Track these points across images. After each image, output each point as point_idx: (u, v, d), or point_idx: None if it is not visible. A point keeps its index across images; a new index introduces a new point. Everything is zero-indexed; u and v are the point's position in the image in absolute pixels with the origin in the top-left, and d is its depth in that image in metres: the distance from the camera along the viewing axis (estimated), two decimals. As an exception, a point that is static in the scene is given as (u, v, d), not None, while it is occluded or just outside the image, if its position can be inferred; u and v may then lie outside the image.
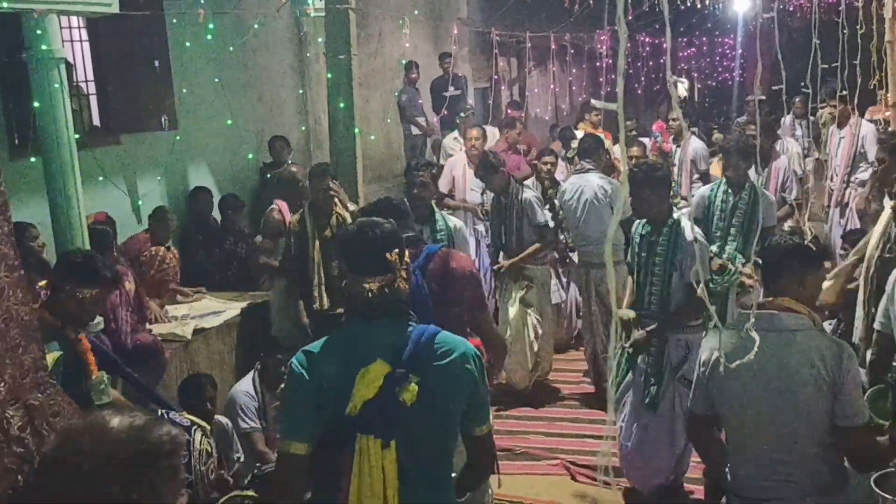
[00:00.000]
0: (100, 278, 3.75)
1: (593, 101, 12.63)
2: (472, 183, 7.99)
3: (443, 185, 8.25)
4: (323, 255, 5.83)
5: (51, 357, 3.45)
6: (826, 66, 5.14)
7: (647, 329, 4.78)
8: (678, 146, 9.38)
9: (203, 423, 4.24)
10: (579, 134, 9.75)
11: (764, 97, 10.38)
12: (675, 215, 4.91)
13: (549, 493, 5.30)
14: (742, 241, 5.79)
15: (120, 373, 4.12)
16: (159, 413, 4.04)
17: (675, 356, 4.78)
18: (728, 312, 5.49)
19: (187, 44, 7.21)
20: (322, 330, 5.55)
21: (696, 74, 20.52)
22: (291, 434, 2.63)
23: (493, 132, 9.90)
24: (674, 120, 9.08)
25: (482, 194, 7.86)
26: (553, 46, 13.95)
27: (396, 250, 2.69)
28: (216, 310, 6.27)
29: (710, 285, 5.31)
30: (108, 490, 1.68)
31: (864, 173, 7.99)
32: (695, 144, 9.35)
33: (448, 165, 8.59)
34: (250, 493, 4.29)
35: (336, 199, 5.89)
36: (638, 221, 5.02)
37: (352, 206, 6.11)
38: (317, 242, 5.84)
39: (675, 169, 9.14)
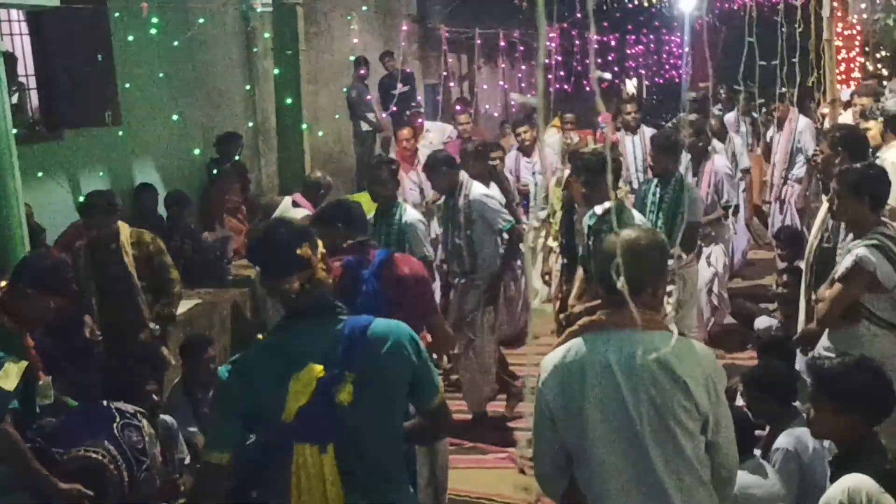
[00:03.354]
0: (69, 289, 3.77)
1: (512, 95, 12.64)
2: (409, 184, 8.07)
3: None
4: (100, 292, 5.39)
5: (18, 367, 3.48)
6: (765, 63, 5.26)
7: None
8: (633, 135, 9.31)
9: (141, 409, 4.28)
10: (551, 131, 9.76)
11: (696, 95, 10.54)
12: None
13: (496, 487, 5.34)
14: (666, 233, 5.86)
15: (58, 370, 4.12)
16: (104, 402, 4.08)
17: None
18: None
19: (130, 38, 7.11)
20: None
21: (643, 72, 20.76)
22: (213, 443, 2.68)
23: (441, 127, 9.94)
24: (628, 114, 9.11)
25: (420, 193, 7.96)
26: (502, 43, 14.02)
27: (307, 244, 2.66)
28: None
29: None
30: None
31: (800, 169, 8.17)
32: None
33: None
34: None
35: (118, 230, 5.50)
36: (593, 211, 5.13)
37: (300, 213, 6.02)
38: (92, 283, 5.38)
39: (630, 161, 9.19)
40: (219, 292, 6.79)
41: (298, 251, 2.62)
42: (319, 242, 2.75)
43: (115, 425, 3.95)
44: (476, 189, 6.01)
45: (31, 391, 3.71)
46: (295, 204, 6.40)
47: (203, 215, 8.15)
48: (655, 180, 6.09)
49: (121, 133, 7.35)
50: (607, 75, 17.24)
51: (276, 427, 2.54)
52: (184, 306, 6.26)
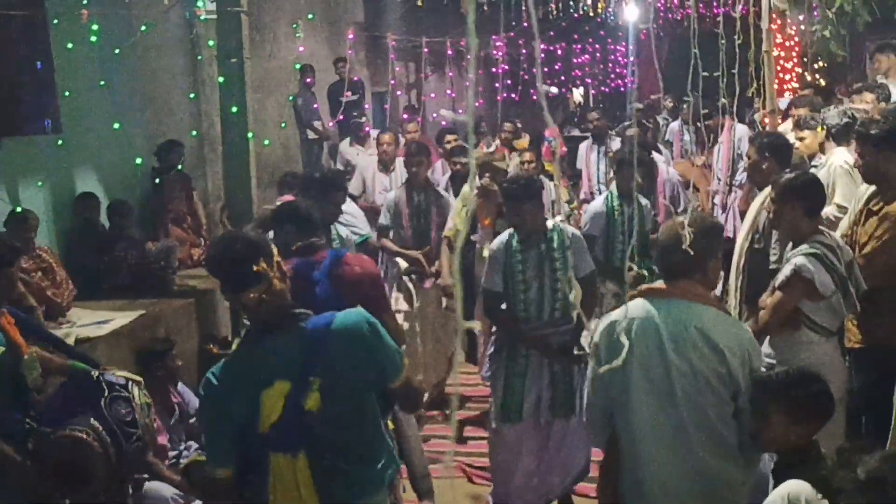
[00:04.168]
0: (17, 250, 3.92)
1: (443, 112, 12.65)
2: (381, 186, 8.10)
3: (354, 188, 8.36)
4: None
5: None
6: (707, 74, 5.34)
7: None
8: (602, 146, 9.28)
9: (136, 378, 4.29)
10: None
11: (641, 105, 10.70)
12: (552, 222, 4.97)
13: (446, 496, 5.33)
14: (640, 251, 5.92)
15: (42, 338, 4.08)
16: (95, 375, 4.08)
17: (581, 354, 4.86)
18: None
19: (70, 45, 6.98)
20: None
21: (589, 81, 20.95)
22: (216, 460, 2.80)
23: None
24: (596, 121, 9.14)
25: None
26: (449, 52, 14.06)
27: (263, 259, 2.74)
28: (102, 319, 6.06)
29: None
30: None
31: (742, 174, 8.32)
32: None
33: (359, 169, 8.67)
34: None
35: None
36: (502, 240, 4.89)
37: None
38: None
39: (585, 171, 9.22)
40: (163, 303, 6.68)
41: (255, 267, 2.70)
42: (275, 252, 2.84)
43: (102, 400, 3.95)
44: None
45: (16, 369, 3.73)
46: None
47: (147, 225, 8.03)
48: (617, 200, 6.07)
49: (60, 142, 7.20)
50: (554, 89, 17.39)
51: (252, 439, 2.68)
52: (127, 317, 6.16)
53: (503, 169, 6.21)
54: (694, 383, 3.03)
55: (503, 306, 4.86)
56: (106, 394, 4.00)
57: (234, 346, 4.10)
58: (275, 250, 2.85)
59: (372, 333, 2.81)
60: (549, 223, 4.92)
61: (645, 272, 5.79)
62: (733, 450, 3.10)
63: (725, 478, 3.13)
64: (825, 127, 5.82)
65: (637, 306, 3.14)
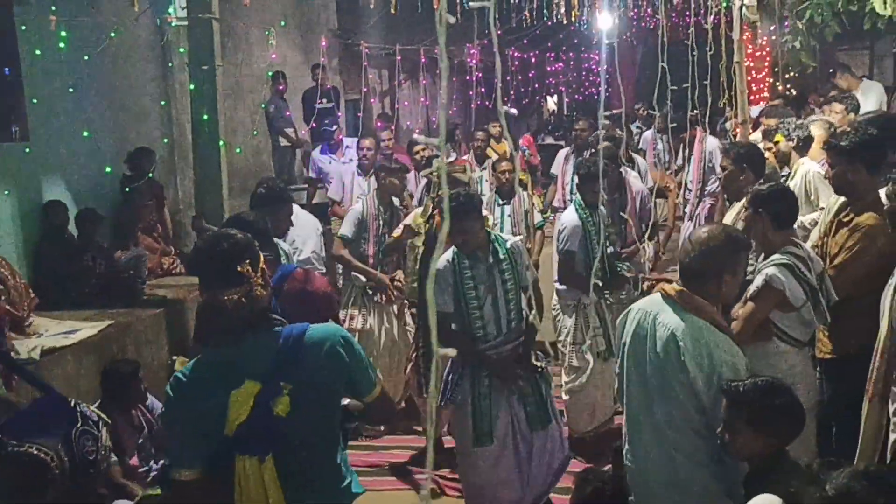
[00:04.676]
0: None
1: (415, 136, 12.67)
2: (360, 190, 8.06)
3: (333, 193, 8.37)
4: None
5: None
6: (676, 87, 5.38)
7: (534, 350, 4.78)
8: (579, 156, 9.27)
9: (106, 419, 4.23)
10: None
11: (608, 121, 10.69)
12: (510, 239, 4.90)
13: (418, 508, 5.30)
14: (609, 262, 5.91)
15: (6, 363, 4.01)
16: (72, 403, 4.00)
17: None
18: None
19: (38, 52, 6.89)
20: None
21: (563, 89, 21.05)
22: (178, 462, 2.73)
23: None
24: (582, 131, 9.15)
25: None
26: (423, 59, 14.05)
27: (248, 261, 2.71)
28: (70, 329, 5.97)
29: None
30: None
31: (713, 185, 8.37)
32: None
33: (338, 175, 8.64)
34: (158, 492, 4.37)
35: None
36: (447, 258, 4.66)
37: None
38: None
39: (560, 179, 9.19)
40: (132, 313, 6.60)
41: (238, 268, 2.67)
42: (261, 257, 2.81)
43: (74, 429, 3.88)
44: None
45: None
46: None
47: (116, 234, 7.93)
48: (587, 210, 5.92)
49: (28, 149, 7.10)
50: (514, 111, 17.45)
51: (219, 440, 2.65)
52: (95, 327, 6.08)
53: (464, 181, 6.09)
54: (664, 387, 3.19)
55: (453, 327, 4.70)
56: (79, 424, 3.94)
57: (179, 359, 4.05)
58: (262, 257, 2.81)
59: (345, 349, 2.80)
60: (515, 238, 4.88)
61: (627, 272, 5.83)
62: (705, 459, 3.16)
63: (700, 484, 3.18)
64: (795, 138, 5.87)
65: (647, 301, 3.35)
